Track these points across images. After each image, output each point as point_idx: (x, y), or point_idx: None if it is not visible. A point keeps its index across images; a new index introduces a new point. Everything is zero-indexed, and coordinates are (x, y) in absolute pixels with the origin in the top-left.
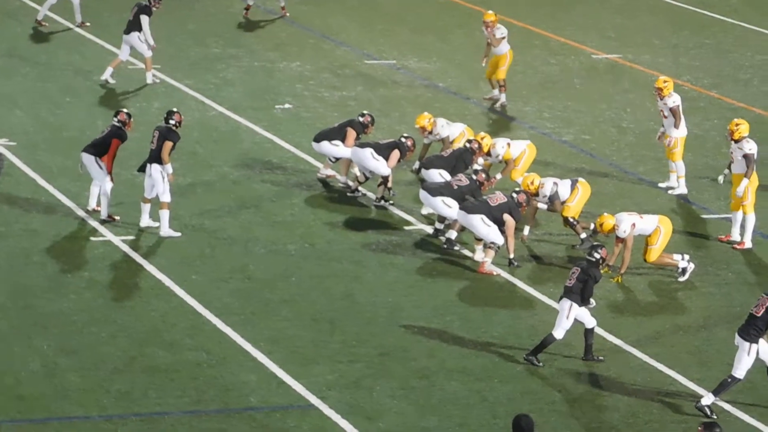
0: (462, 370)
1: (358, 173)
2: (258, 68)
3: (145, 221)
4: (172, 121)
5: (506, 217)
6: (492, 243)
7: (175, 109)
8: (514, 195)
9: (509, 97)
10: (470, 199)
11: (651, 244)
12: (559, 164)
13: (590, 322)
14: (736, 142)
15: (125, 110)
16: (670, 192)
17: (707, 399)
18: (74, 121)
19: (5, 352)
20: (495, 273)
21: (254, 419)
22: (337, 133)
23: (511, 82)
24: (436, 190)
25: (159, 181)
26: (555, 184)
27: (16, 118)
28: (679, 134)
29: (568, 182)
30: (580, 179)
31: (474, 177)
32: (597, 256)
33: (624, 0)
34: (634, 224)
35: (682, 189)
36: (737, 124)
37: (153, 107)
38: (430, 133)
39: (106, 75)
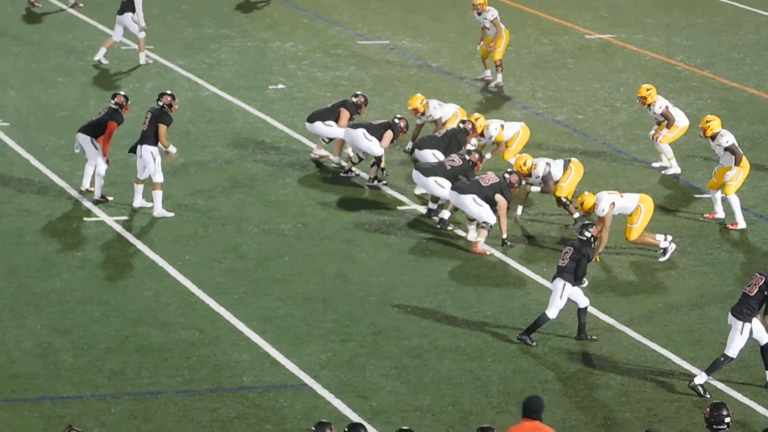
0: (455, 349)
1: (352, 154)
2: (251, 48)
3: (138, 201)
4: (160, 103)
5: (498, 197)
6: (484, 222)
7: (168, 92)
8: (506, 175)
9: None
10: (462, 179)
11: (631, 222)
12: (552, 144)
13: (583, 301)
14: (712, 139)
15: (122, 92)
16: (663, 172)
17: (700, 378)
18: (67, 101)
19: None
20: (488, 252)
21: (247, 398)
22: (330, 114)
23: (504, 63)
24: (429, 170)
25: (150, 161)
26: (547, 164)
27: (8, 98)
28: (681, 124)
29: (560, 162)
30: (573, 159)
31: (467, 157)
32: (588, 234)
33: None
34: (613, 203)
35: (675, 169)
36: (707, 121)
37: (146, 88)
38: (423, 114)
39: (99, 55)
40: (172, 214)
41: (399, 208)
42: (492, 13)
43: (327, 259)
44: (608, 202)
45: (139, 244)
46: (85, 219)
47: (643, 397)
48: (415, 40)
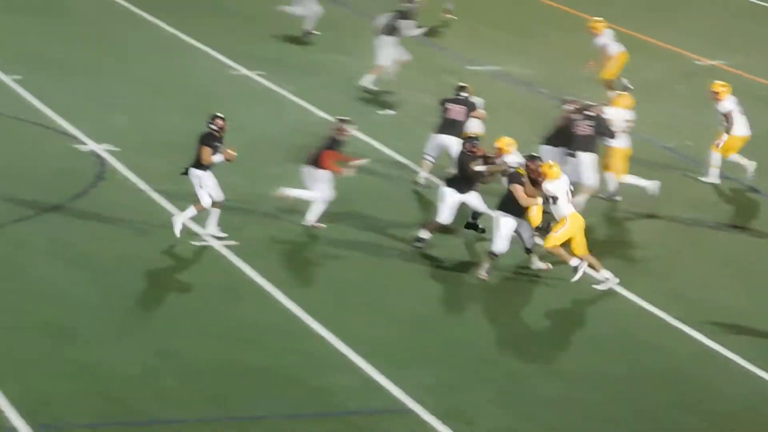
0: (560, 374)
1: None
2: (360, 73)
3: (211, 229)
4: (212, 126)
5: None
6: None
7: (219, 114)
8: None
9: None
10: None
11: (552, 230)
12: (661, 169)
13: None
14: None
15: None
16: (700, 178)
17: None
18: (175, 125)
19: (104, 354)
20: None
21: (351, 422)
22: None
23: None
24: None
25: (196, 185)
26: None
27: (117, 122)
28: (738, 133)
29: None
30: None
31: None
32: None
33: (726, 5)
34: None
35: (713, 178)
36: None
37: (255, 112)
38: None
39: (368, 81)
40: (178, 235)
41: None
42: (608, 35)
43: (432, 283)
44: (554, 186)
45: (246, 268)
46: (193, 242)
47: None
48: (525, 66)
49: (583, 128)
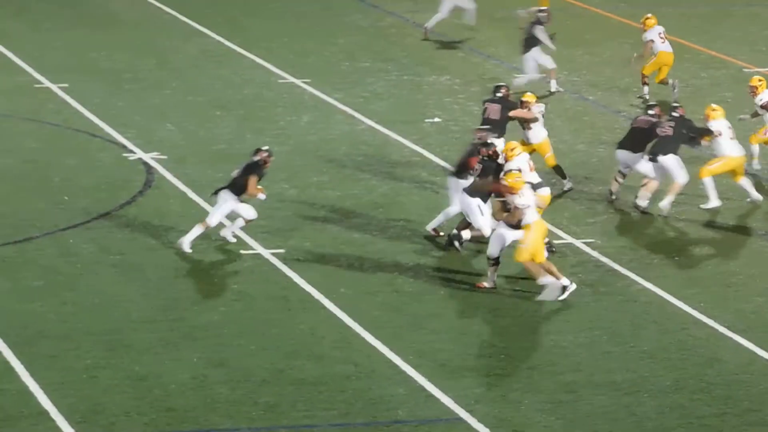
0: (609, 384)
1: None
2: (406, 82)
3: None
4: (256, 158)
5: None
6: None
7: (264, 147)
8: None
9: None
10: None
11: (521, 241)
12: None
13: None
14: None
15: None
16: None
17: None
18: (223, 134)
19: (156, 364)
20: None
21: None
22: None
23: (661, 95)
24: None
25: (219, 203)
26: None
27: (165, 131)
28: None
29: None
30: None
31: None
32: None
33: None
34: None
35: (756, 166)
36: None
37: (302, 121)
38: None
39: (553, 87)
40: (189, 251)
41: (555, 241)
42: (649, 33)
43: (481, 293)
44: (524, 194)
45: (296, 277)
46: (242, 252)
47: None
48: (572, 74)
49: (666, 129)
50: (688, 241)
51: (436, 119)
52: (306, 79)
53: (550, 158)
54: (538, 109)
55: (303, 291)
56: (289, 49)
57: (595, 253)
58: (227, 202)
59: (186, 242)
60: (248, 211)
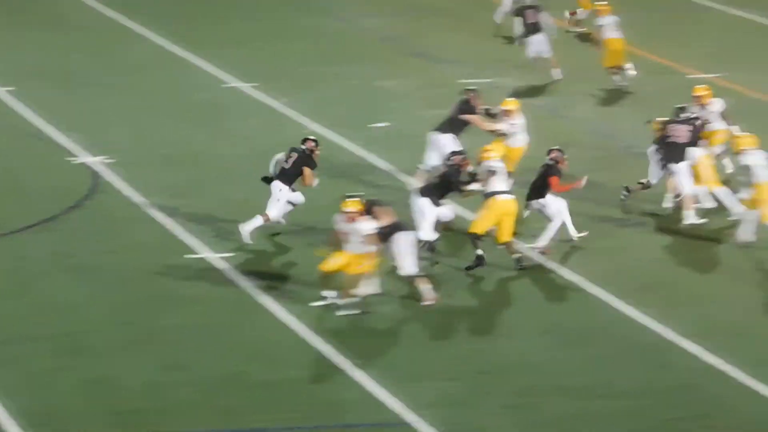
0: (563, 389)
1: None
2: (355, 86)
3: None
4: (304, 147)
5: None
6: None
7: (311, 137)
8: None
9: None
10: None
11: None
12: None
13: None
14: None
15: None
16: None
17: None
18: (171, 138)
19: (111, 367)
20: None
21: None
22: None
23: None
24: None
25: (274, 196)
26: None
27: (113, 134)
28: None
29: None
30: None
31: None
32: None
33: (722, 22)
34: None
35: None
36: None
37: (250, 125)
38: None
39: (556, 75)
40: (251, 241)
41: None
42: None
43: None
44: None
45: (246, 281)
46: (193, 256)
47: None
48: (518, 79)
49: (681, 134)
50: (642, 247)
51: (385, 123)
52: (254, 83)
53: (510, 166)
54: (510, 123)
55: (255, 295)
56: (238, 54)
57: (543, 259)
58: (282, 192)
59: (246, 232)
60: (299, 197)
